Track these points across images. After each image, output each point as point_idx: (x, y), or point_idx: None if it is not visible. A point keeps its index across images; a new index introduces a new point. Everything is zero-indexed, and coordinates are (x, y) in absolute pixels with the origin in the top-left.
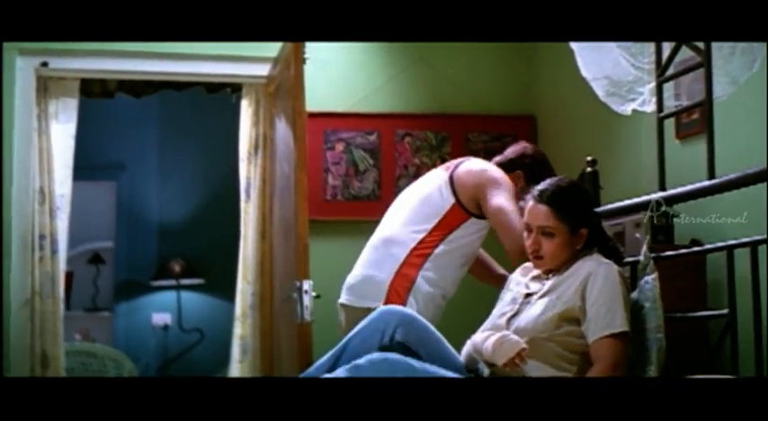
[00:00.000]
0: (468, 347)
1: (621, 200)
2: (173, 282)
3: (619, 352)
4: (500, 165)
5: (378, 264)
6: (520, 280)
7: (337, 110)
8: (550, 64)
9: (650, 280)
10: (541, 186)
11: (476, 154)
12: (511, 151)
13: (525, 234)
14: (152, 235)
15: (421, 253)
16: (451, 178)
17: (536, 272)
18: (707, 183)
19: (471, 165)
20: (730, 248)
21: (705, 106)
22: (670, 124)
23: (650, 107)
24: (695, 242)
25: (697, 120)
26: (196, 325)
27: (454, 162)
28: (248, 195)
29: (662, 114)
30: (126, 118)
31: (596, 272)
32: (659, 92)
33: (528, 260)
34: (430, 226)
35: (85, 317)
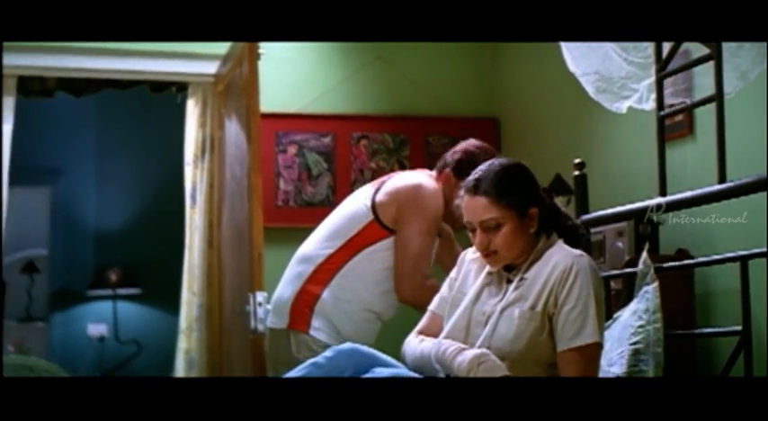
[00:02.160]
0: (422, 349)
1: (600, 207)
2: (109, 292)
3: (586, 367)
4: (438, 167)
5: (287, 282)
6: (475, 282)
7: (289, 110)
8: (514, 64)
9: (650, 289)
10: (471, 176)
11: (436, 157)
12: (451, 149)
13: (470, 234)
14: (88, 242)
15: (328, 268)
16: (375, 195)
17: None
18: (717, 187)
19: (397, 183)
20: (744, 259)
21: (715, 103)
22: (651, 126)
23: (649, 105)
24: (682, 252)
25: (682, 123)
26: (133, 336)
27: (384, 178)
28: (194, 201)
29: (663, 113)
30: (62, 120)
31: (568, 270)
32: (659, 88)
33: (419, 303)
34: (341, 242)
35: (19, 327)
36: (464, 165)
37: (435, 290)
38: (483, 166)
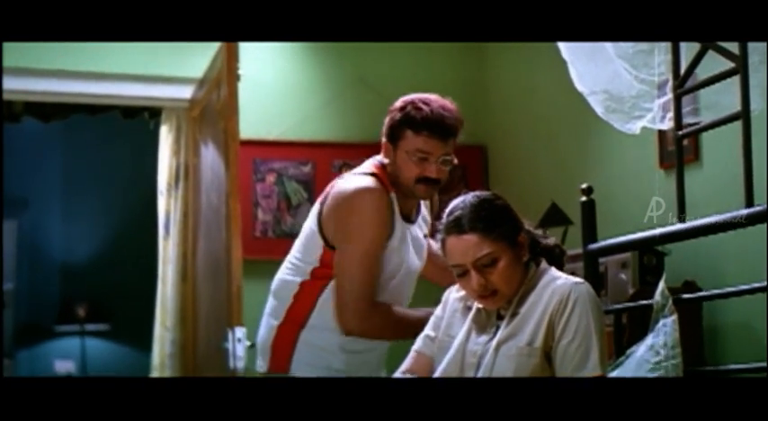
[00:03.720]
0: None
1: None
2: (77, 328)
3: None
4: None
5: (266, 317)
6: (463, 322)
7: (268, 137)
8: (503, 89)
9: (669, 322)
10: (446, 216)
11: None
12: None
13: (458, 280)
14: (56, 276)
15: (306, 297)
16: (320, 215)
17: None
18: (745, 211)
19: (335, 195)
20: None
21: (741, 120)
22: (652, 152)
23: (665, 124)
24: (689, 284)
25: (687, 148)
26: (102, 374)
27: (328, 188)
28: (167, 231)
29: (682, 132)
30: (29, 146)
31: (565, 299)
32: (677, 106)
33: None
34: (309, 269)
35: None
36: (390, 127)
37: (386, 316)
38: (456, 204)
